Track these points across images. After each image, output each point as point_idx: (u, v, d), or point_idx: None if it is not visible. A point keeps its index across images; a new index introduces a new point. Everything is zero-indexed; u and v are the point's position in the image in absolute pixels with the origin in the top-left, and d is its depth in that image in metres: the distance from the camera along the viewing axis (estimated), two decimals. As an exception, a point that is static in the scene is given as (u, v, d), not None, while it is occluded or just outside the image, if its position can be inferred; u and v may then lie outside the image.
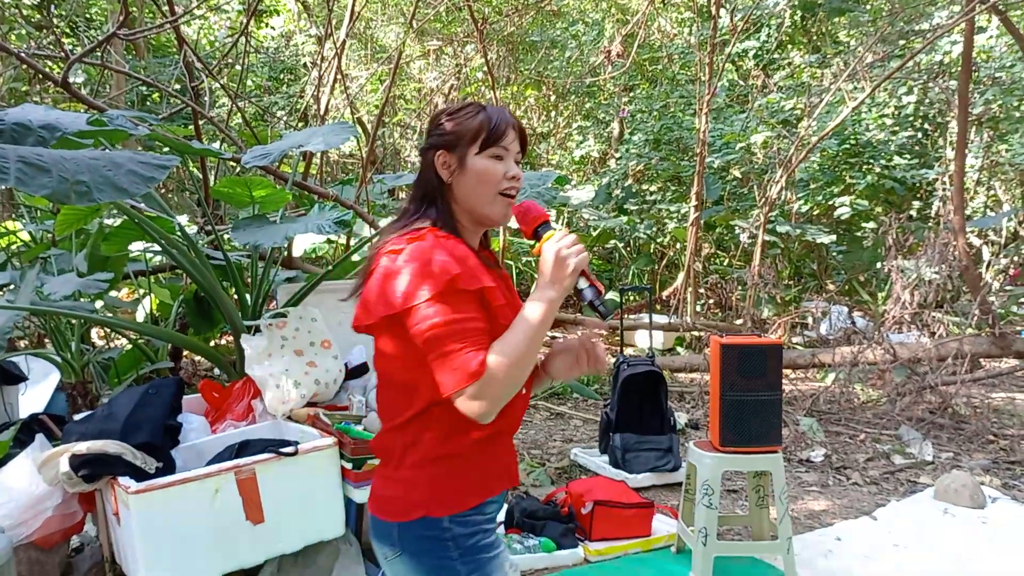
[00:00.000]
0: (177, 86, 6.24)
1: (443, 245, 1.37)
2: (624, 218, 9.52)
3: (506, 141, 1.46)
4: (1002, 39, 9.04)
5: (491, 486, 1.47)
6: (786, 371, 6.76)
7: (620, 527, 3.46)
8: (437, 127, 1.49)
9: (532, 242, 1.43)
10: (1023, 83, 8.80)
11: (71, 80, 4.21)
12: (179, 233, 3.46)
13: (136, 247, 4.69)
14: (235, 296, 3.69)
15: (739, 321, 7.95)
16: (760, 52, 10.64)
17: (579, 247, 1.37)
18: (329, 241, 7.81)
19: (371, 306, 1.39)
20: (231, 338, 3.64)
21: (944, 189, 9.06)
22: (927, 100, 9.72)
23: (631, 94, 11.71)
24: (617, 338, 5.22)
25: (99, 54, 5.22)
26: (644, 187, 10.35)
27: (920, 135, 9.95)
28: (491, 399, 1.32)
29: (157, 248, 3.99)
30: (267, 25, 11.79)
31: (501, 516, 3.35)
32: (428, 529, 1.41)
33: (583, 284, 1.37)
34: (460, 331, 1.32)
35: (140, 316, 5.28)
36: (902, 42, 8.75)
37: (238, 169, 4.97)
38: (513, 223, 1.50)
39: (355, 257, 4.91)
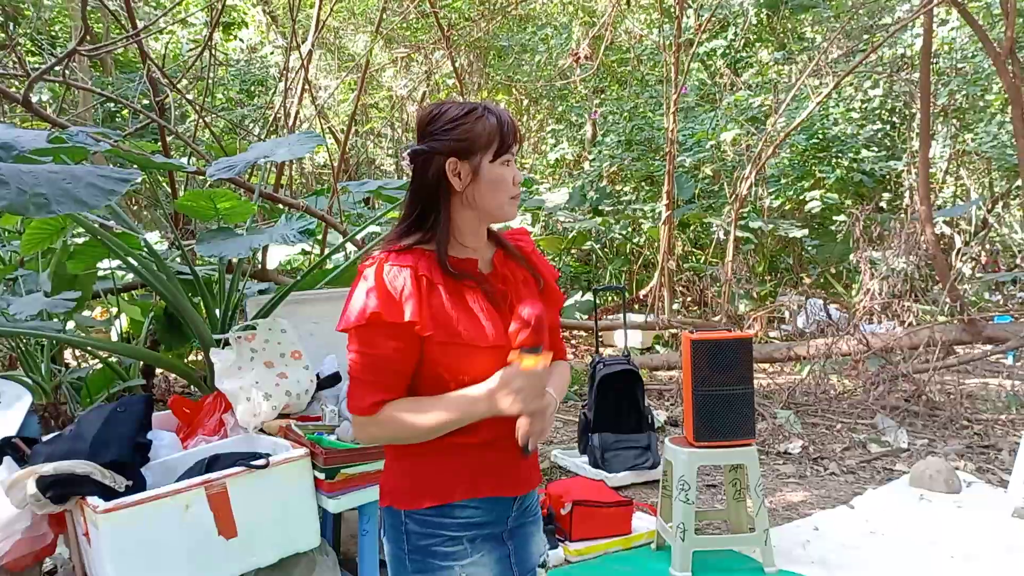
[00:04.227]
0: (145, 101, 6.18)
1: (380, 279, 1.35)
2: (599, 219, 9.55)
3: (515, 146, 1.44)
4: (963, 30, 9.17)
5: (456, 491, 1.42)
6: (763, 365, 6.81)
7: (600, 526, 3.47)
8: (441, 131, 1.39)
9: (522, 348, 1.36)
10: (985, 73, 8.94)
11: (35, 98, 4.17)
12: (145, 249, 3.42)
13: (105, 265, 4.64)
14: (205, 310, 3.66)
15: (716, 318, 7.99)
16: (728, 51, 10.73)
17: (535, 402, 1.35)
18: (304, 252, 7.76)
19: (341, 317, 1.43)
20: (204, 353, 3.61)
21: (912, 180, 9.18)
22: (893, 93, 9.84)
23: (601, 96, 11.75)
24: (596, 339, 5.26)
25: (61, 71, 5.17)
26: (618, 188, 10.39)
27: (887, 127, 10.07)
28: (368, 438, 1.42)
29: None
30: (235, 37, 11.72)
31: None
32: (391, 517, 1.47)
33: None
34: (368, 364, 1.37)
35: (115, 335, 5.22)
36: (866, 36, 8.86)
37: (208, 183, 4.93)
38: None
39: (327, 266, 4.88)
